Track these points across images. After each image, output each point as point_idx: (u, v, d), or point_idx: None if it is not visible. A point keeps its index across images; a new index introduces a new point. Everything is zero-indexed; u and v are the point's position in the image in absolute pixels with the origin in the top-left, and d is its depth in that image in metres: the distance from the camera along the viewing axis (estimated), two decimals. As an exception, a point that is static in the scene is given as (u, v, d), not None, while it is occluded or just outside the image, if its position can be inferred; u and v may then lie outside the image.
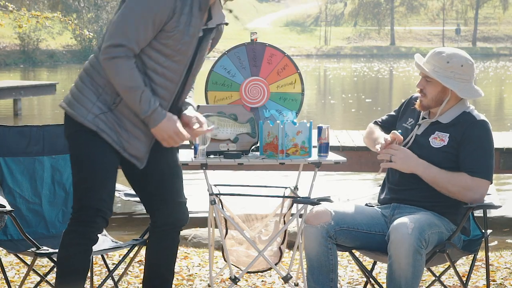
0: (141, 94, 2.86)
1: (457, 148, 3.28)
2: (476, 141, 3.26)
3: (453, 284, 4.31)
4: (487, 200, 3.31)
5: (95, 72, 2.95)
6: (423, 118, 3.40)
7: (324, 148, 3.83)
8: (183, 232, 5.52)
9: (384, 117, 3.63)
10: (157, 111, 2.90)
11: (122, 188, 3.56)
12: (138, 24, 2.84)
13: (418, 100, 3.39)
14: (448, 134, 3.30)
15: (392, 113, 3.61)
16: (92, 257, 3.79)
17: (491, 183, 3.29)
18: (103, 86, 2.94)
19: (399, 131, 3.41)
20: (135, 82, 2.86)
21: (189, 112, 3.08)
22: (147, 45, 2.91)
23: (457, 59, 3.28)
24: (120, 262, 3.35)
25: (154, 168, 3.10)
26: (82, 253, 2.96)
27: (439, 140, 3.31)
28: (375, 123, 3.63)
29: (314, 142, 3.86)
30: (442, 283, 3.65)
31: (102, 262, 3.91)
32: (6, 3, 12.35)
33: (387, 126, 3.57)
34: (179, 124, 2.96)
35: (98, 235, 3.01)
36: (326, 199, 3.44)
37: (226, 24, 3.09)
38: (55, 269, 3.09)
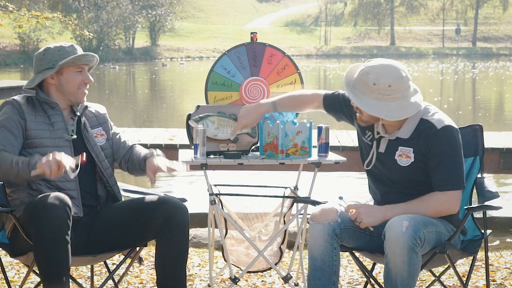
0: (17, 164, 3.11)
1: (424, 161, 3.20)
2: (441, 152, 3.16)
3: (453, 284, 4.31)
4: (492, 202, 3.30)
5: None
6: (378, 133, 3.30)
7: (324, 148, 3.82)
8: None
9: (332, 95, 3.52)
10: (34, 160, 3.10)
11: (121, 184, 3.55)
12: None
13: (357, 115, 3.30)
14: (411, 149, 3.21)
15: (340, 97, 3.48)
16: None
17: (464, 188, 3.24)
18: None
19: (340, 197, 3.38)
20: (5, 162, 3.13)
21: (158, 161, 3.34)
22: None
23: (384, 80, 3.13)
24: (121, 263, 3.35)
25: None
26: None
27: (405, 157, 3.22)
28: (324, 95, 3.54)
29: (314, 142, 3.86)
30: (442, 283, 3.64)
31: (102, 262, 3.91)
32: (6, 3, 12.36)
33: (330, 108, 3.52)
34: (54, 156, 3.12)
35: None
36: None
37: (86, 107, 3.43)
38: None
